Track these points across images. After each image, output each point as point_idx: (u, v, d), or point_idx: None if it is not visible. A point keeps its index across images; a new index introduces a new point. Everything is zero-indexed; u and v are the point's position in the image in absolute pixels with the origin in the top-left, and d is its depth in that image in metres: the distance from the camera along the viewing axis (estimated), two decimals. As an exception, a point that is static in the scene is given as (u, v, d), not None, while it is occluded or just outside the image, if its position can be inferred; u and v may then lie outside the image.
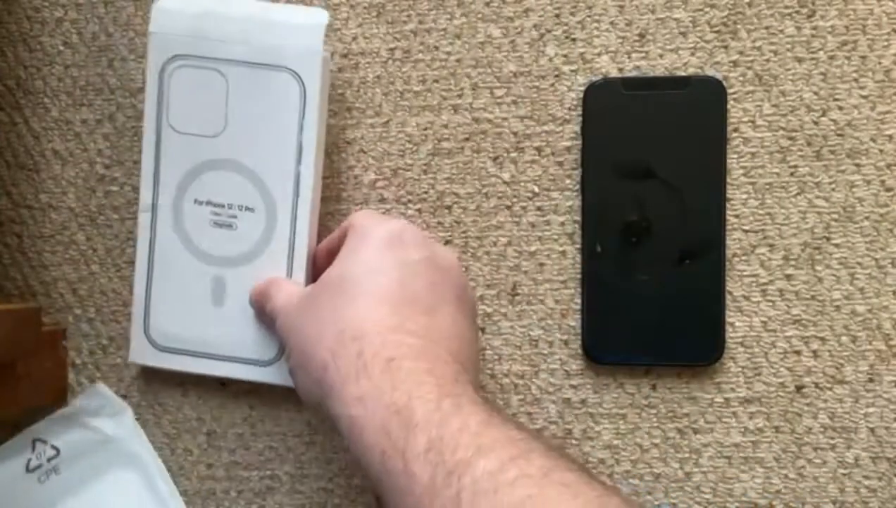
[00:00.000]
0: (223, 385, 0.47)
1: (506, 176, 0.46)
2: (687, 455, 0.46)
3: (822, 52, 0.45)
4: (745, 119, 0.45)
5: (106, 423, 0.47)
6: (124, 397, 0.48)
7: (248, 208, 0.44)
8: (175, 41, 0.44)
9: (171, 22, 0.44)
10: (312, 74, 0.43)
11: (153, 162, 0.45)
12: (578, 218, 0.46)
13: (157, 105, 0.44)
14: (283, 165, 0.44)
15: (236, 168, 0.44)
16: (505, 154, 0.46)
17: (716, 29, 0.45)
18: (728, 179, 0.45)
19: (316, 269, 0.44)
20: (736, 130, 0.45)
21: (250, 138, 0.44)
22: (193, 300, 0.45)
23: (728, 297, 0.45)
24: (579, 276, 0.46)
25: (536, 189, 0.46)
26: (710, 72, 0.45)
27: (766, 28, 0.45)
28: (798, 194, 0.45)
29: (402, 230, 0.39)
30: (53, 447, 0.45)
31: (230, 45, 0.43)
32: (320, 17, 0.43)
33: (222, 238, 0.44)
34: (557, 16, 0.46)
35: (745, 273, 0.45)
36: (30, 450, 0.45)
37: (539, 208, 0.46)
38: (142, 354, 0.46)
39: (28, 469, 0.44)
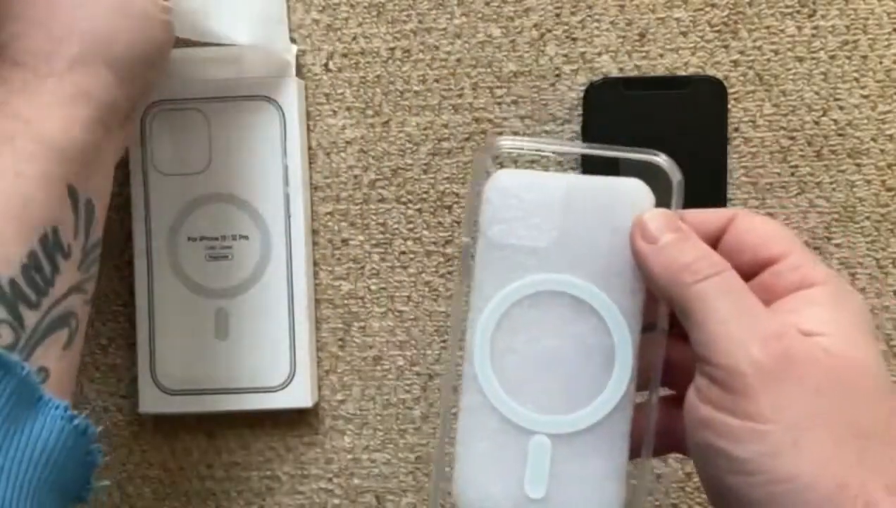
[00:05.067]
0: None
1: (506, 176, 0.46)
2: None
3: (822, 52, 0.45)
4: (746, 119, 0.45)
5: None
6: (124, 397, 0.48)
7: (242, 237, 0.45)
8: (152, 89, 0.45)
9: None
10: (290, 99, 0.45)
11: (143, 207, 0.46)
12: (579, 218, 0.46)
13: (140, 152, 0.45)
14: (272, 190, 0.45)
15: (226, 199, 0.45)
16: (505, 154, 0.46)
17: (716, 28, 0.45)
18: (729, 179, 0.45)
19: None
20: (736, 129, 0.45)
21: (236, 169, 0.45)
22: (198, 338, 0.45)
23: (728, 297, 0.45)
24: (579, 276, 0.46)
25: (537, 189, 0.46)
26: (710, 72, 0.45)
27: (767, 28, 0.45)
28: (799, 193, 0.45)
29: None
30: None
31: (206, 84, 0.45)
32: (290, 47, 0.45)
33: (220, 270, 0.45)
34: (558, 15, 0.46)
35: (745, 273, 0.45)
36: None
37: (539, 208, 0.46)
38: (153, 402, 0.46)
39: None
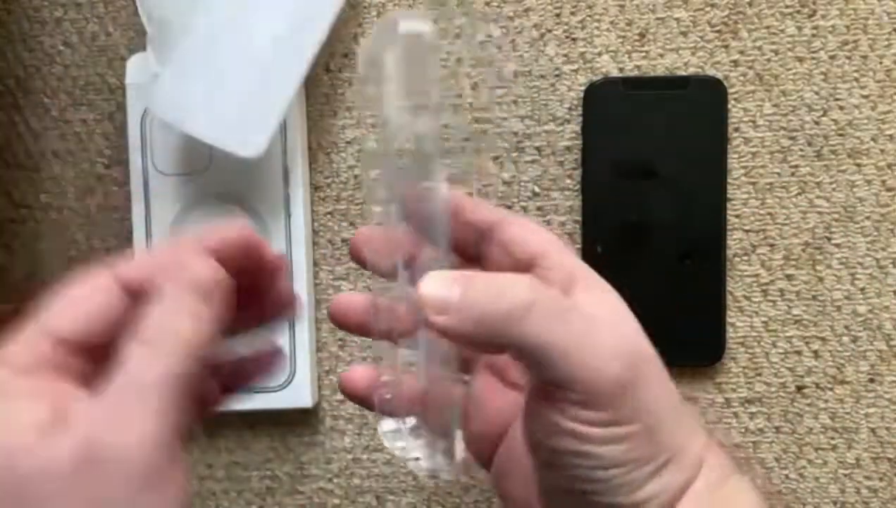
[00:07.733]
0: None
1: (506, 176, 0.46)
2: (687, 456, 0.46)
3: (822, 52, 0.45)
4: (746, 119, 0.45)
5: None
6: (124, 397, 0.48)
7: None
8: None
9: (146, 72, 0.45)
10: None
11: (143, 208, 0.45)
12: (578, 218, 0.46)
13: (140, 152, 0.45)
14: (272, 190, 0.45)
15: (226, 200, 0.45)
16: (505, 154, 0.46)
17: (716, 28, 0.45)
18: (728, 179, 0.45)
19: None
20: (736, 129, 0.45)
21: (236, 169, 0.45)
22: None
23: (728, 297, 0.45)
24: (579, 276, 0.46)
25: (536, 189, 0.46)
26: (710, 72, 0.45)
27: (767, 27, 0.45)
28: (799, 193, 0.45)
29: None
30: None
31: None
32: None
33: None
34: (558, 15, 0.46)
35: (745, 273, 0.45)
36: None
37: (539, 208, 0.46)
38: None
39: None
